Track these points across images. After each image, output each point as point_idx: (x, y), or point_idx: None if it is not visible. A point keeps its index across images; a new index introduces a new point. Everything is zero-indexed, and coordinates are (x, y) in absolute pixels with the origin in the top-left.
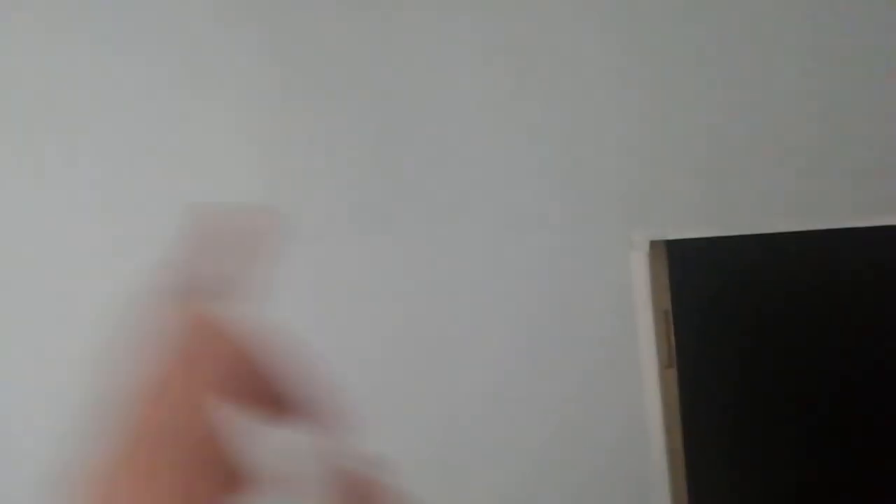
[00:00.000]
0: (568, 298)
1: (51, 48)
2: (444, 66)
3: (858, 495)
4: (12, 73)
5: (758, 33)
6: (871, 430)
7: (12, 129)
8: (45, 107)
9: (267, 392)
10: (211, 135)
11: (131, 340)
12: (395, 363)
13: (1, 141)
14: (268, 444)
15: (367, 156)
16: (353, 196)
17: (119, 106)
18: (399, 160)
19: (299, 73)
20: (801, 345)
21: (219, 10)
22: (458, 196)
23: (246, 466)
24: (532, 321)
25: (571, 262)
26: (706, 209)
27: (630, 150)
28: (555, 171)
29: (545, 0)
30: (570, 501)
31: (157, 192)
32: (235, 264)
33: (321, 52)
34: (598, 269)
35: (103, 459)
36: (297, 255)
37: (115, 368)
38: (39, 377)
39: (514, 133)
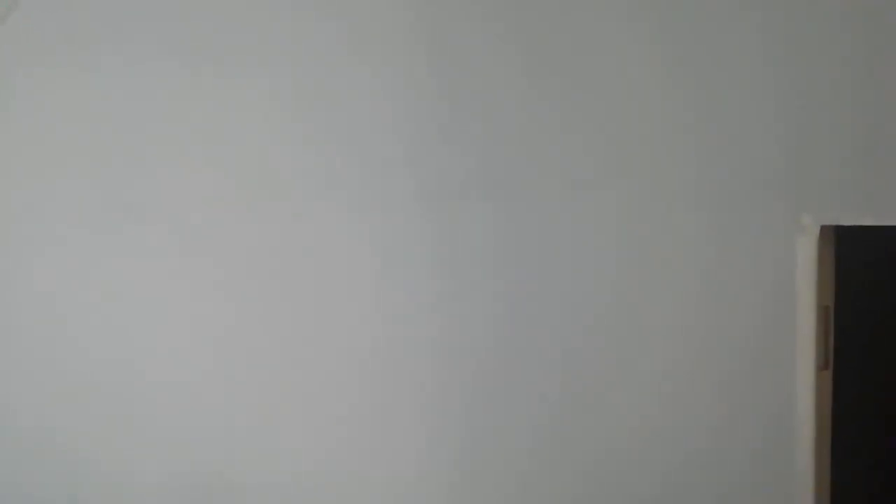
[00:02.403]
0: (717, 286)
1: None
2: (601, 35)
3: None
4: None
5: None
6: None
7: None
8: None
9: None
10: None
11: None
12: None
13: None
14: None
15: (506, 119)
16: (490, 159)
17: None
18: (545, 128)
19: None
20: None
21: None
22: (602, 165)
23: None
24: (676, 305)
25: (723, 244)
26: (876, 195)
27: (800, 123)
28: (711, 141)
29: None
30: (710, 500)
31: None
32: None
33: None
34: (752, 254)
35: None
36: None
37: None
38: None
39: (666, 100)
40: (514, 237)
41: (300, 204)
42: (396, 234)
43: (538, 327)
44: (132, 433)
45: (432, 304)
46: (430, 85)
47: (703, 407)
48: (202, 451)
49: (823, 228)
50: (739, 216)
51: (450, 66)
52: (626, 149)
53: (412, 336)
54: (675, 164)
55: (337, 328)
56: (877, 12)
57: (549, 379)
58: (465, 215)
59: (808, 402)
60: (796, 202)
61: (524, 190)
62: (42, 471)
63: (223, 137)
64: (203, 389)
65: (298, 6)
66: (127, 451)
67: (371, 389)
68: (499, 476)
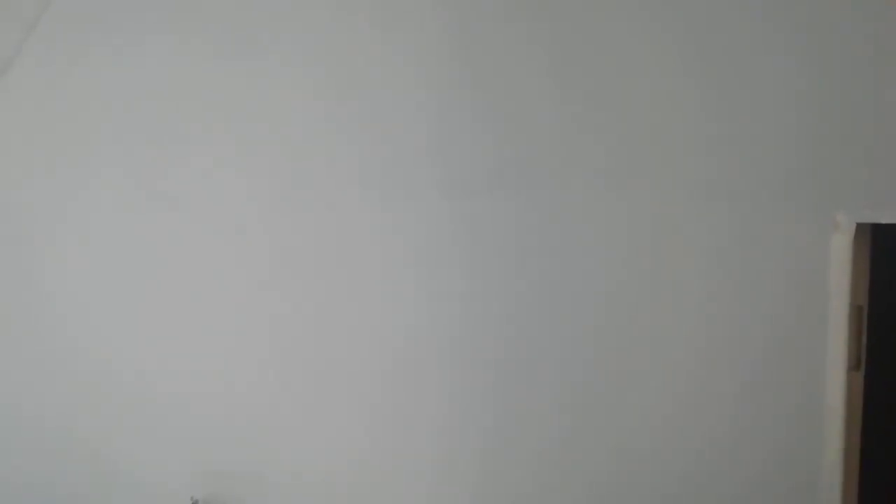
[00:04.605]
0: (748, 283)
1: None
2: (627, 31)
3: None
4: None
5: None
6: None
7: None
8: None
9: None
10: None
11: None
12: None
13: None
14: None
15: (531, 115)
16: (515, 155)
17: None
18: (571, 123)
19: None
20: None
21: None
22: (630, 160)
23: None
24: (705, 302)
25: (755, 241)
26: None
27: (836, 120)
28: (744, 137)
29: None
30: (734, 502)
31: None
32: None
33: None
34: (785, 252)
35: None
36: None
37: None
38: None
39: (696, 95)
40: (537, 231)
41: (329, 195)
42: (422, 226)
43: (561, 322)
44: (157, 431)
45: (454, 296)
46: (457, 82)
47: (730, 405)
48: (225, 451)
49: (859, 226)
50: (773, 213)
51: (477, 65)
52: (655, 145)
53: (434, 327)
54: (706, 159)
55: (360, 318)
56: None
57: (571, 374)
58: (489, 208)
59: (838, 403)
60: (831, 199)
61: (549, 185)
62: (65, 470)
63: (255, 130)
64: (227, 384)
65: (335, 13)
66: (151, 451)
67: (392, 380)
68: (520, 472)
